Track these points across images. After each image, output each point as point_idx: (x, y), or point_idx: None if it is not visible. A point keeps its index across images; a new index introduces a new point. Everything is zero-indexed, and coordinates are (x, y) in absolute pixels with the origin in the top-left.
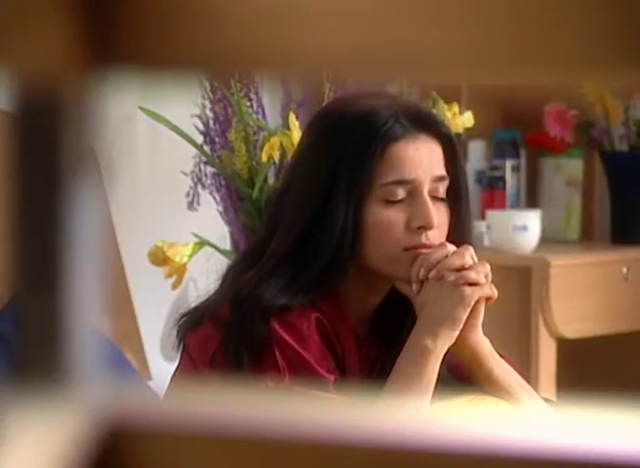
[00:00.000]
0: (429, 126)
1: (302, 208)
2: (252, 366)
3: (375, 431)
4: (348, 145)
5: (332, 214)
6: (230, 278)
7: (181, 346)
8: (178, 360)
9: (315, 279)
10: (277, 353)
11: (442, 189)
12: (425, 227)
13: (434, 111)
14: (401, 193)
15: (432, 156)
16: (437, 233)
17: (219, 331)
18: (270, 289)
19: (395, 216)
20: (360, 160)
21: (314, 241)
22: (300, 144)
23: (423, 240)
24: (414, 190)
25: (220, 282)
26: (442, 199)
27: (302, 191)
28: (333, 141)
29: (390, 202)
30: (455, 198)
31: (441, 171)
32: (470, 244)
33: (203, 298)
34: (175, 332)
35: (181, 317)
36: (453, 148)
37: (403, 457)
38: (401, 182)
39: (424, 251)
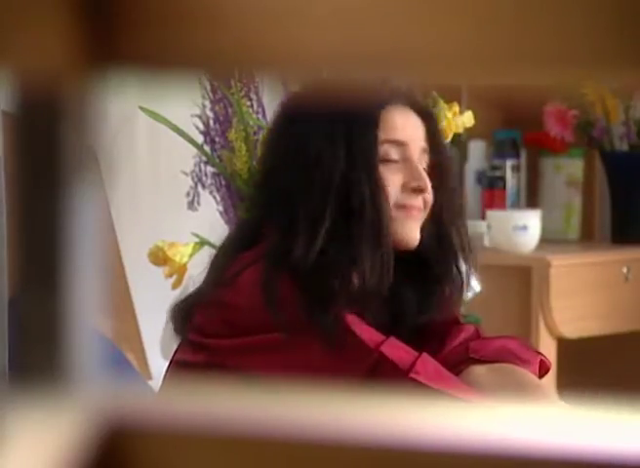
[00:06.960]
0: (413, 103)
1: (321, 187)
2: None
3: (375, 431)
4: (351, 120)
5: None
6: (221, 263)
7: (187, 329)
8: (175, 348)
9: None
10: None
11: (425, 162)
12: (421, 189)
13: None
14: (394, 154)
15: (418, 128)
16: (430, 197)
17: (225, 313)
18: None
19: (392, 176)
20: (366, 127)
21: (352, 222)
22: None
23: (420, 201)
24: (406, 153)
25: (210, 267)
26: (427, 172)
27: (315, 169)
28: (333, 121)
29: (386, 161)
30: (439, 173)
31: (425, 144)
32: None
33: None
34: (172, 320)
35: (175, 306)
36: (434, 124)
37: (403, 457)
38: (394, 142)
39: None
